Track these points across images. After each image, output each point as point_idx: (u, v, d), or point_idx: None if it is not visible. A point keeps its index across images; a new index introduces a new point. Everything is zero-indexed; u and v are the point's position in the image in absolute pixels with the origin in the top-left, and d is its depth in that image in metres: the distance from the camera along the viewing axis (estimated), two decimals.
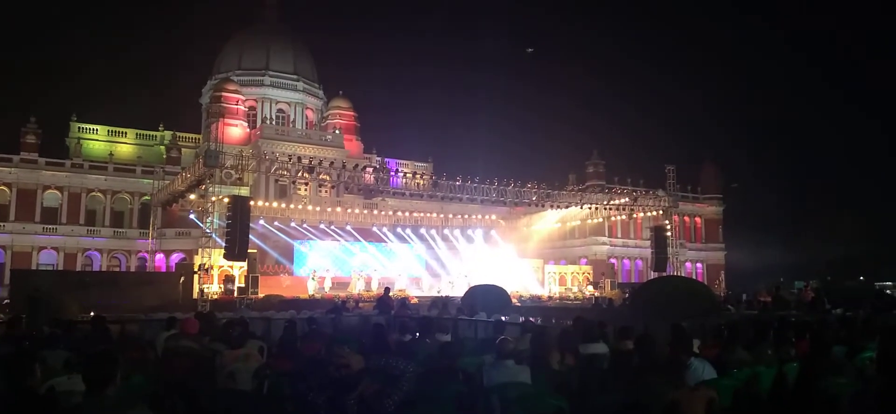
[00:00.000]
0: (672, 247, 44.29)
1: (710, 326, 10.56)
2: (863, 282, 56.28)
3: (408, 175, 44.05)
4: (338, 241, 47.19)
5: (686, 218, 66.34)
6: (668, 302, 16.15)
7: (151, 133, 65.89)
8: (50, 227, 53.06)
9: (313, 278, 40.56)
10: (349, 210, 49.70)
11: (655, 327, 11.58)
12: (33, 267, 50.36)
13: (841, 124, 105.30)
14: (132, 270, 53.66)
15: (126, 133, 65.18)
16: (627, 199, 44.94)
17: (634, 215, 49.96)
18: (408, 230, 50.52)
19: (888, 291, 42.84)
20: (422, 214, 51.00)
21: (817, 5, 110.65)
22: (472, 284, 31.06)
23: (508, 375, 6.46)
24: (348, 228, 48.43)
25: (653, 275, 47.79)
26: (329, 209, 49.53)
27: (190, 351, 8.91)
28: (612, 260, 62.76)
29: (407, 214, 50.68)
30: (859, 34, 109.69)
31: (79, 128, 62.58)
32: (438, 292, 44.00)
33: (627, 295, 40.78)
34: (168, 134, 63.92)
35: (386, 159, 67.00)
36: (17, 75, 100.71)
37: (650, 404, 5.32)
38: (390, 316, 18.07)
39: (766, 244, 65.97)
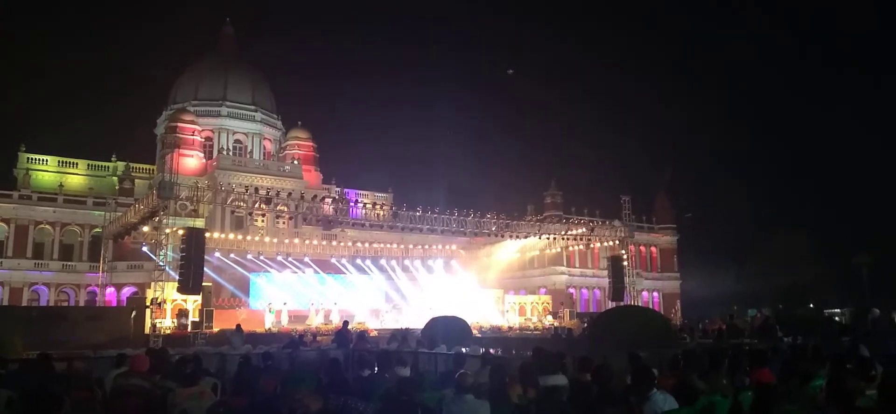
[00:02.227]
0: (629, 276, 44.94)
1: (667, 355, 10.68)
2: (813, 309, 57.77)
3: (367, 206, 44.05)
4: (296, 273, 46.55)
5: (642, 247, 67.47)
6: (625, 332, 16.31)
7: (104, 164, 64.22)
8: None
9: (270, 311, 39.83)
10: (307, 241, 49.17)
11: (614, 358, 11.67)
12: None
13: (791, 152, 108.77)
14: (81, 304, 51.94)
15: (77, 164, 63.34)
16: (584, 230, 45.57)
17: (592, 245, 50.58)
18: (367, 261, 50.19)
19: (837, 318, 44.16)
20: (382, 245, 50.80)
21: (765, 31, 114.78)
22: (433, 316, 30.87)
23: (468, 409, 6.42)
24: (306, 259, 47.86)
25: (611, 304, 48.31)
26: (287, 241, 48.87)
27: (140, 390, 8.60)
28: (571, 290, 63.33)
29: (366, 244, 50.43)
30: (809, 60, 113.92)
31: (28, 158, 60.59)
32: (396, 310, 43.69)
33: (586, 325, 41.14)
34: (121, 165, 62.52)
35: (345, 190, 66.63)
36: None
37: None
38: (349, 349, 17.82)
39: (720, 273, 67.24)
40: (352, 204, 45.69)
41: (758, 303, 63.54)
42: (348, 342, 20.15)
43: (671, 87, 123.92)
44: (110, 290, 51.39)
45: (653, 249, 70.32)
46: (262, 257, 46.48)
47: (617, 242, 45.56)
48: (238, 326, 27.32)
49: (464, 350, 21.93)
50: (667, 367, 9.21)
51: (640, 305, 52.39)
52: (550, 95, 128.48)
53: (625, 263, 44.36)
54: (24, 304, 49.89)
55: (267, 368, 10.36)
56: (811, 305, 63.66)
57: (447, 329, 24.10)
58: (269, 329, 37.20)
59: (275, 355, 13.29)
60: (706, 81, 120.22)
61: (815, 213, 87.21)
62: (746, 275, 68.44)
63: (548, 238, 44.42)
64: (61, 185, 57.10)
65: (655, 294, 68.98)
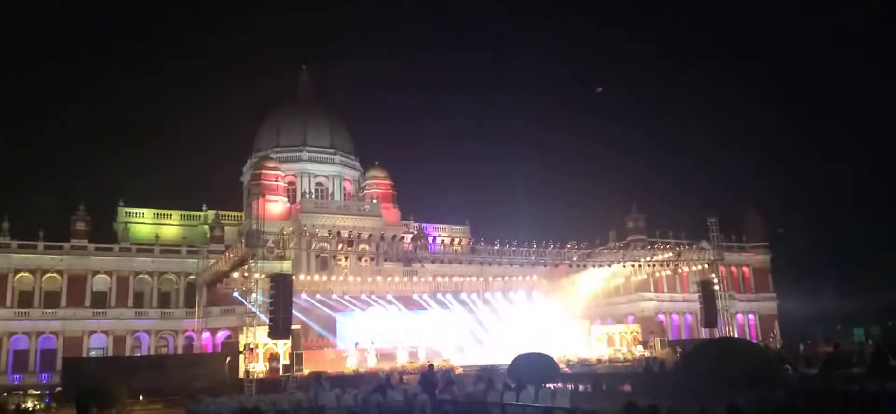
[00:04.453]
0: (721, 299, 43.12)
1: (770, 401, 10.09)
2: None
3: (445, 240, 44.26)
4: (379, 310, 47.13)
5: (733, 268, 64.62)
6: (723, 370, 15.56)
7: (195, 213, 67.41)
8: (100, 311, 54.19)
9: (355, 350, 40.35)
10: (389, 279, 49.78)
11: (712, 404, 11.14)
12: (84, 351, 51.41)
13: (885, 160, 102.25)
14: (179, 349, 54.31)
15: (171, 215, 66.81)
16: (671, 254, 44.13)
17: (679, 270, 48.92)
18: (448, 296, 50.29)
19: None
20: (462, 279, 50.81)
21: (852, 41, 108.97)
22: (518, 352, 30.47)
23: None
24: (389, 297, 48.41)
25: (703, 331, 46.49)
26: (369, 279, 49.69)
27: None
28: (660, 316, 61.19)
29: (447, 278, 50.57)
30: None
31: (125, 212, 64.36)
32: (479, 344, 43.22)
33: (679, 353, 39.67)
34: (211, 213, 65.35)
35: (423, 225, 67.28)
36: (66, 165, 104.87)
37: None
38: (436, 399, 17.75)
39: (819, 290, 63.56)
40: (430, 240, 46.03)
41: (862, 319, 59.72)
42: (434, 386, 20.09)
43: (755, 95, 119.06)
44: (206, 334, 53.84)
45: (744, 268, 67.22)
46: (346, 297, 47.34)
47: (706, 264, 43.89)
48: (318, 375, 27.59)
49: (551, 387, 21.54)
50: None
51: (734, 328, 50.28)
52: (629, 117, 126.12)
53: (716, 287, 42.61)
54: (127, 351, 52.59)
55: None
56: None
57: (533, 367, 23.73)
58: (356, 369, 37.73)
59: (362, 406, 13.38)
60: (795, 97, 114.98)
61: None
62: (848, 291, 64.46)
63: (633, 265, 43.28)
64: (157, 236, 60.12)
65: (751, 316, 65.75)
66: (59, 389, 35.51)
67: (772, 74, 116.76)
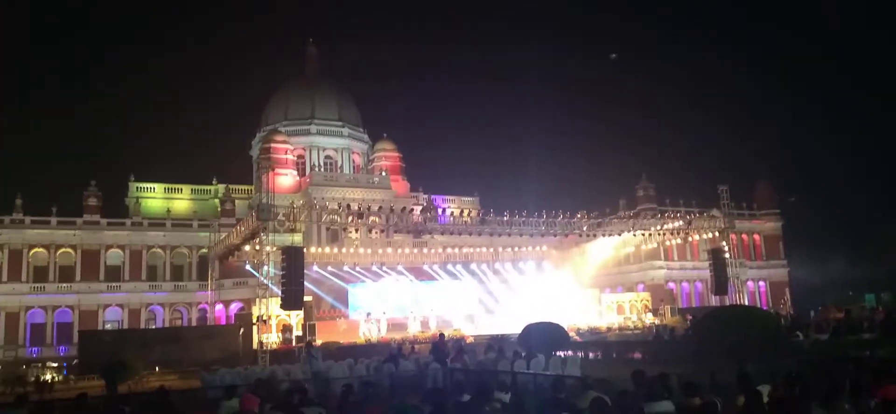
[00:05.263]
0: (732, 267, 42.99)
1: (780, 368, 10.14)
2: None
3: (454, 212, 44.31)
4: (390, 281, 47.45)
5: (744, 235, 64.36)
6: (732, 338, 15.61)
7: (206, 187, 67.71)
8: (114, 284, 54.86)
9: (366, 321, 40.71)
10: (399, 250, 50.00)
11: (722, 369, 11.20)
12: (99, 324, 52.13)
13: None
14: (193, 321, 54.92)
15: (181, 189, 67.15)
16: (681, 223, 43.94)
17: (690, 238, 48.75)
18: (458, 266, 50.54)
19: None
20: (472, 249, 50.97)
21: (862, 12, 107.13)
22: (528, 321, 30.66)
23: None
24: (400, 267, 48.68)
25: (714, 299, 46.46)
26: (380, 250, 49.92)
27: None
28: (671, 284, 61.17)
29: (457, 249, 50.74)
30: None
31: (137, 187, 64.76)
32: (489, 314, 43.39)
33: (689, 320, 39.79)
34: (221, 187, 65.66)
35: (432, 196, 67.40)
36: (78, 141, 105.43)
37: None
38: (447, 366, 17.94)
39: (831, 257, 63.20)
40: (439, 211, 46.09)
41: (874, 286, 59.49)
42: (445, 355, 20.29)
43: (763, 69, 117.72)
44: (219, 306, 54.36)
45: (756, 236, 66.93)
46: (357, 268, 47.67)
47: (716, 232, 43.72)
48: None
49: (561, 354, 21.71)
50: (780, 383, 8.71)
51: (745, 295, 50.29)
52: (639, 85, 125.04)
53: (726, 255, 42.43)
54: (142, 324, 53.28)
55: (369, 397, 10.58)
56: None
57: (543, 336, 23.90)
58: (368, 339, 38.08)
59: (374, 381, 13.53)
60: (803, 63, 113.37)
61: None
62: (861, 257, 64.12)
63: (643, 233, 43.20)
64: (169, 210, 60.54)
65: (761, 283, 65.64)
66: (76, 361, 36.11)
67: (784, 48, 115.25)
